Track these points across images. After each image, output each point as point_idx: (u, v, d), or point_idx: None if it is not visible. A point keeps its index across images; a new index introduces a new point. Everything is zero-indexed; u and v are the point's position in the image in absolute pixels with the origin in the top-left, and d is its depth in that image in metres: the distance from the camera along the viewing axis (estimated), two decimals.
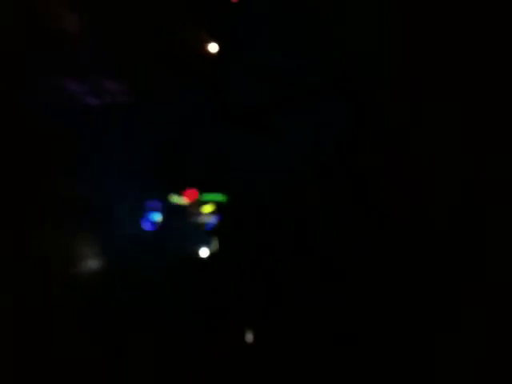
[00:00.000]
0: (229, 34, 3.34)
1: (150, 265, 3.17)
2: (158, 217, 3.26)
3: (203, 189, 3.34)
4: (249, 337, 3.15)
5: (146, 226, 3.23)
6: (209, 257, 3.25)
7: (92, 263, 3.12)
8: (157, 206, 3.26)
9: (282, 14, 3.35)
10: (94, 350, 3.04)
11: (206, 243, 3.25)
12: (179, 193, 3.28)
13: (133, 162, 3.25)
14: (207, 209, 3.30)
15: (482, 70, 3.22)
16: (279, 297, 3.22)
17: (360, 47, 3.33)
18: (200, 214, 3.29)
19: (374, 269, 3.18)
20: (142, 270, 3.16)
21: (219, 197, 3.30)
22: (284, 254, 3.27)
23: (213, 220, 3.29)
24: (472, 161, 3.19)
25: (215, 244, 3.26)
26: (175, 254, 3.22)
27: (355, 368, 3.08)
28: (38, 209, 3.07)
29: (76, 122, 3.21)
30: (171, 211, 3.28)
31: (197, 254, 3.24)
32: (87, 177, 3.20)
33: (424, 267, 3.14)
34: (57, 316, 3.01)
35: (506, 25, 3.22)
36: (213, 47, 3.27)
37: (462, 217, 3.17)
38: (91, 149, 3.23)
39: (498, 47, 3.22)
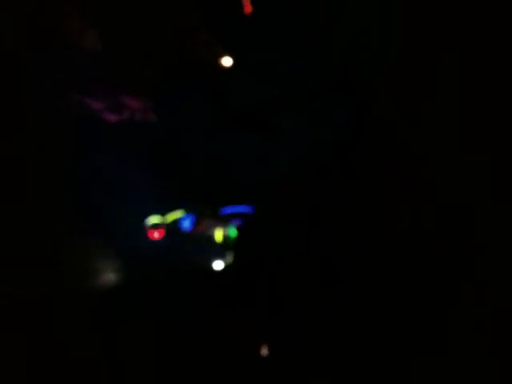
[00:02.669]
0: (229, 35, 3.32)
1: (163, 276, 3.19)
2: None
3: (204, 190, 3.35)
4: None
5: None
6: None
7: (103, 274, 3.12)
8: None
9: (281, 14, 3.34)
10: (99, 353, 3.06)
11: (220, 255, 3.26)
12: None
13: (133, 163, 3.25)
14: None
15: (482, 71, 3.23)
16: (280, 297, 3.24)
17: (360, 47, 3.33)
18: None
19: (374, 269, 3.20)
20: (154, 281, 3.17)
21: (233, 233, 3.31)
22: (284, 254, 3.29)
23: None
24: (472, 161, 3.21)
25: (230, 256, 3.26)
26: (188, 266, 3.23)
27: (355, 368, 3.12)
28: (48, 219, 3.07)
29: (76, 125, 3.20)
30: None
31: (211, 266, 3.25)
32: (87, 180, 3.20)
33: (424, 268, 3.17)
34: (65, 321, 3.02)
35: (506, 25, 3.22)
36: (227, 61, 3.24)
37: (463, 217, 3.20)
38: (92, 150, 3.22)
39: (498, 48, 3.23)
